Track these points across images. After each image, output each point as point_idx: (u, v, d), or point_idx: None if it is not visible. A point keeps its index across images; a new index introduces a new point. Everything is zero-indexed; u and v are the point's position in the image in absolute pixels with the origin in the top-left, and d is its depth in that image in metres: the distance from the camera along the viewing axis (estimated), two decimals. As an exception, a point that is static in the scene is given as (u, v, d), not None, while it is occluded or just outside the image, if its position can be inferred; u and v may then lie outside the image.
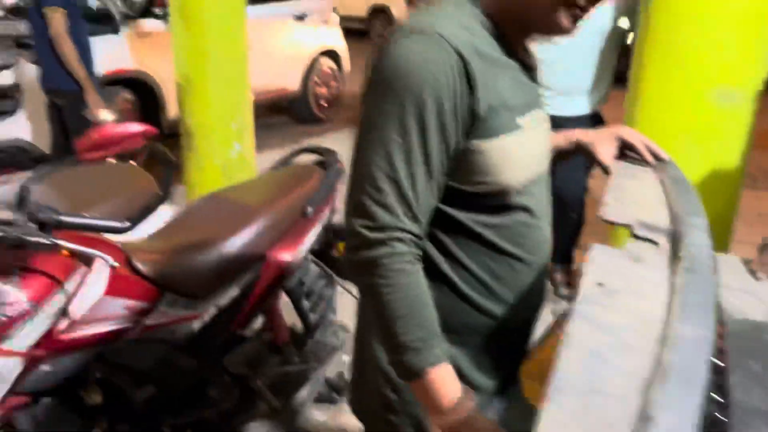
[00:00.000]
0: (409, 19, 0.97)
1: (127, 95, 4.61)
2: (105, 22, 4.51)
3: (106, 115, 3.70)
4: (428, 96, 0.90)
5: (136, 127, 1.41)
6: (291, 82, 6.22)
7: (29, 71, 4.04)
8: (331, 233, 2.22)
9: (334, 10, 6.85)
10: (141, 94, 4.78)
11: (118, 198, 2.23)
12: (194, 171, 4.09)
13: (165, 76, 4.88)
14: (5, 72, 4.12)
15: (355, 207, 0.95)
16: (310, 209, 2.04)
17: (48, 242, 1.29)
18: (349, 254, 0.96)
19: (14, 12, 5.33)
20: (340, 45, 6.87)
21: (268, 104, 6.25)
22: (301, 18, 6.23)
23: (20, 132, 4.09)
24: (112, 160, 2.61)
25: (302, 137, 6.23)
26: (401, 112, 0.91)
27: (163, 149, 2.60)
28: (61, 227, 1.36)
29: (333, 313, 2.29)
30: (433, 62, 0.90)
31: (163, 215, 2.48)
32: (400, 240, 0.93)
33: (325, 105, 6.76)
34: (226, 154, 4.03)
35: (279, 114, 6.82)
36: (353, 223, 0.95)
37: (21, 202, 1.33)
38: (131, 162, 2.68)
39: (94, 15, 4.37)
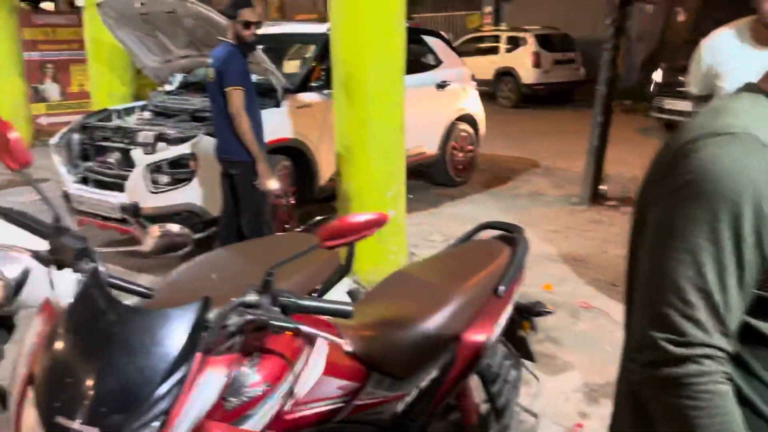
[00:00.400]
0: (708, 119, 0.93)
1: (285, 162, 4.87)
2: (268, 96, 4.83)
3: (273, 183, 3.92)
4: (745, 202, 0.84)
5: (372, 216, 1.45)
6: (430, 146, 6.33)
7: (204, 142, 4.39)
8: (516, 312, 2.16)
9: (473, 77, 6.97)
10: (295, 161, 5.03)
11: (305, 270, 2.31)
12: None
13: (319, 144, 5.14)
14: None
15: (656, 319, 0.89)
16: (502, 288, 2.00)
17: (292, 326, 1.33)
18: (648, 369, 0.90)
19: (185, 87, 5.88)
20: (477, 110, 6.95)
21: (408, 168, 6.38)
22: (442, 86, 6.38)
23: (193, 197, 4.41)
24: (298, 230, 2.74)
25: (440, 200, 6.28)
26: (713, 218, 0.85)
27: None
28: (298, 311, 1.40)
29: (517, 395, 2.20)
30: (750, 166, 0.85)
31: (345, 287, 2.55)
32: (709, 357, 0.86)
33: (462, 168, 6.81)
34: (381, 221, 4.11)
35: (416, 177, 6.94)
36: (653, 337, 0.89)
37: (265, 285, 1.40)
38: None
39: (260, 89, 4.69)
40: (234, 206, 4.11)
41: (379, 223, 1.46)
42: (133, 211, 4.34)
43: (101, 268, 1.39)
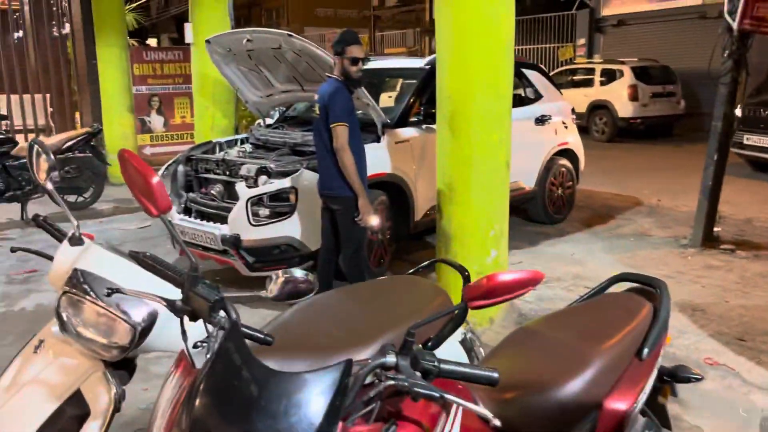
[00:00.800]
0: None
1: (382, 197, 4.81)
2: (367, 131, 4.80)
3: (374, 220, 3.85)
4: None
5: (525, 274, 1.31)
6: (528, 181, 6.12)
7: (305, 176, 4.40)
8: (657, 376, 1.95)
9: (573, 111, 6.73)
10: (392, 196, 4.96)
11: (417, 317, 2.19)
12: (448, 274, 4.05)
13: (416, 179, 5.06)
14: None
15: None
16: (646, 350, 1.80)
17: (437, 395, 1.20)
18: None
19: (284, 121, 5.98)
20: (577, 145, 6.70)
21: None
22: (541, 121, 6.18)
23: (293, 231, 4.42)
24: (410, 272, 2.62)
25: (537, 238, 6.03)
26: None
27: (458, 263, 2.56)
28: (441, 376, 1.28)
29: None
30: None
31: (458, 336, 2.41)
32: None
33: (560, 205, 6.55)
34: (482, 260, 3.96)
35: (510, 213, 6.72)
36: None
37: (405, 346, 1.28)
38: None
39: (360, 124, 4.68)
40: (333, 241, 4.07)
41: (533, 281, 1.32)
42: (234, 242, 4.38)
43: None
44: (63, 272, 1.77)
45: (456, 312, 1.65)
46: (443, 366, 1.28)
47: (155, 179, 1.30)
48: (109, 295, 1.38)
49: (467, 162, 3.86)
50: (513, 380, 1.70)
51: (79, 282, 1.62)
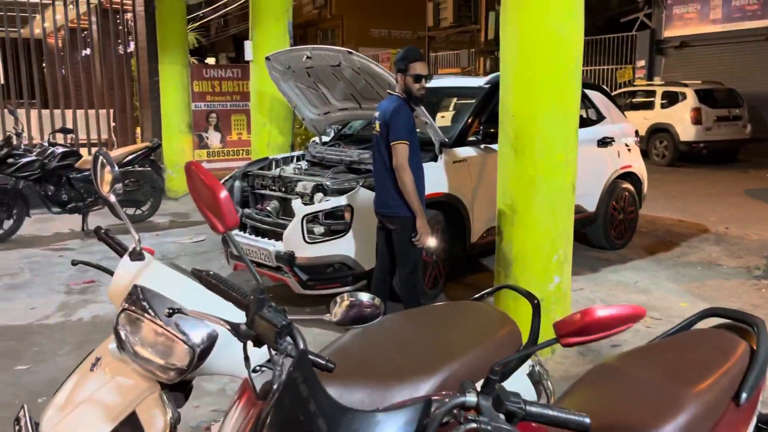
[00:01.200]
0: None
1: (438, 217, 4.70)
2: (425, 150, 4.70)
3: (432, 241, 3.73)
4: None
5: (624, 309, 1.17)
6: (589, 204, 5.90)
7: (361, 194, 4.33)
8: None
9: (636, 133, 6.49)
10: (448, 216, 4.84)
11: (483, 346, 2.05)
12: (507, 300, 3.89)
13: (473, 200, 4.93)
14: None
15: None
16: (744, 395, 1.62)
17: (522, 441, 1.08)
18: None
19: (340, 139, 5.95)
20: (640, 168, 6.44)
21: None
22: (604, 143, 5.97)
23: (347, 250, 4.34)
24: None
25: (598, 264, 5.79)
26: None
27: (526, 290, 2.42)
28: (526, 419, 1.15)
29: None
30: None
31: (525, 368, 2.26)
32: None
33: (622, 230, 6.28)
34: (545, 287, 3.78)
35: (569, 238, 6.49)
36: None
37: (487, 383, 1.16)
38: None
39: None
40: (388, 261, 3.96)
41: (634, 318, 1.18)
42: (288, 259, 4.33)
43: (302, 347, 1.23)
44: (123, 288, 1.71)
45: (544, 347, 1.51)
46: (530, 408, 1.15)
47: (223, 194, 1.22)
48: (170, 315, 1.31)
49: (531, 182, 3.71)
50: (597, 422, 1.55)
51: (138, 299, 1.56)
